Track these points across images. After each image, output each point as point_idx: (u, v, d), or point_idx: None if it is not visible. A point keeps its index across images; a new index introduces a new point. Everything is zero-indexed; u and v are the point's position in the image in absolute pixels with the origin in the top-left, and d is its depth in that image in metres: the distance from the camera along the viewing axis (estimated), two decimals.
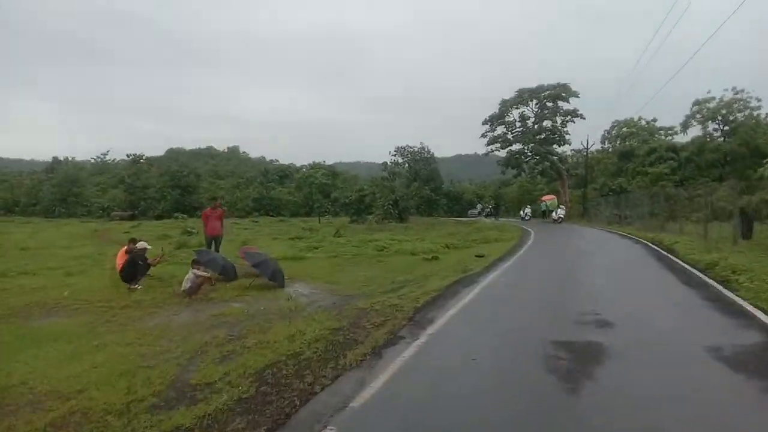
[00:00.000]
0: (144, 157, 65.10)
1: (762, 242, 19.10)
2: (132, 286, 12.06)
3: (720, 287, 9.64)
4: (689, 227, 25.80)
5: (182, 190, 55.00)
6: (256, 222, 43.50)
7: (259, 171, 63.08)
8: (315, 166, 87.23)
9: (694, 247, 15.34)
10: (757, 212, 23.53)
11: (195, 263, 11.66)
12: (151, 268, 12.84)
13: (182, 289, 11.22)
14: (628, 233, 24.93)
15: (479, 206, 59.76)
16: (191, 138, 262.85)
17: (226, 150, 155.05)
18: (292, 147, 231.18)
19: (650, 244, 18.73)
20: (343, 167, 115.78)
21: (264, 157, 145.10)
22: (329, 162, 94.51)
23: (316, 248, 20.12)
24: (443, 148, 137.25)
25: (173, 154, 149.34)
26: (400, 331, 7.18)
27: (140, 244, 12.63)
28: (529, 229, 31.15)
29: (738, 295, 8.75)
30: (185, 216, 41.91)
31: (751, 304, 7.97)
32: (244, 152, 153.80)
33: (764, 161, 22.08)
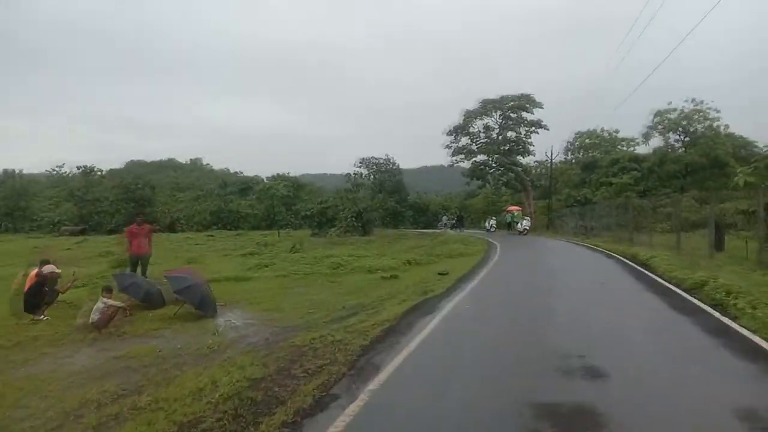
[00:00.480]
0: (96, 169, 61.91)
1: (734, 254, 18.19)
2: (36, 317, 10.20)
3: (717, 314, 8.32)
4: (658, 238, 24.97)
5: (136, 204, 52.21)
6: (212, 236, 41.32)
7: (217, 183, 60.38)
8: (278, 178, 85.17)
9: (672, 262, 14.15)
10: (729, 224, 22.84)
11: (106, 290, 9.85)
12: (60, 294, 11.00)
13: (90, 321, 9.42)
14: (597, 246, 23.89)
15: (444, 218, 58.59)
16: (153, 149, 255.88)
17: (188, 162, 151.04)
18: (257, 159, 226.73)
19: (624, 259, 17.52)
20: (310, 179, 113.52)
21: (228, 169, 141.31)
22: (296, 174, 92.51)
23: (267, 266, 18.39)
24: (409, 159, 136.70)
25: (133, 166, 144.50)
26: (337, 384, 5.61)
27: (46, 269, 10.75)
28: (495, 242, 29.95)
29: (741, 324, 7.44)
30: None
31: (764, 339, 6.61)
32: (207, 164, 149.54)
33: (738, 171, 21.09)
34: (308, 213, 44.15)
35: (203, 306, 10.57)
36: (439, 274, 15.54)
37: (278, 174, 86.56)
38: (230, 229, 50.97)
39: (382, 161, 76.14)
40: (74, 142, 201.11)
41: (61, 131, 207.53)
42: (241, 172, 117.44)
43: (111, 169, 68.65)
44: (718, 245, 22.95)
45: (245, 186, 70.08)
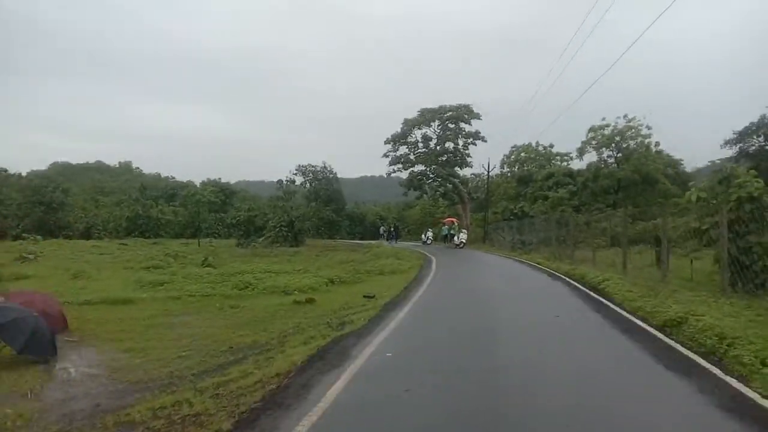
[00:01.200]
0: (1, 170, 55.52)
1: (679, 275, 16.66)
2: None
3: (717, 371, 6.07)
4: (600, 255, 23.50)
5: (46, 207, 46.94)
6: (125, 245, 37.16)
7: (134, 187, 55.38)
8: (208, 183, 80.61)
9: (628, 288, 12.12)
10: (675, 242, 21.56)
11: None
12: None
13: None
14: (538, 263, 22.02)
15: (382, 228, 56.33)
16: (82, 152, 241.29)
17: (117, 165, 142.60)
18: (191, 165, 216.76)
19: (572, 281, 15.39)
20: (247, 186, 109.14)
21: (159, 174, 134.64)
22: (232, 181, 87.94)
23: (162, 285, 15.28)
24: (351, 169, 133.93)
25: (58, 168, 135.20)
26: None
27: None
28: (431, 256, 27.77)
29: (758, 391, 5.25)
30: (39, 237, 34.76)
31: None
32: (137, 168, 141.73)
33: (690, 184, 19.70)
34: (234, 221, 40.62)
35: (33, 348, 7.62)
36: (365, 297, 12.99)
37: (208, 179, 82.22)
38: (149, 237, 46.63)
39: (319, 169, 73.33)
40: None
41: None
42: (173, 177, 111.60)
43: (32, 171, 61.95)
44: (662, 263, 21.64)
45: (173, 191, 65.45)
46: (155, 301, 13.03)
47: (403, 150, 50.04)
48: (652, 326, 8.63)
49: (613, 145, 59.62)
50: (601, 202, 54.44)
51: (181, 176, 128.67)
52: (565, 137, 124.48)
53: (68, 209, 50.36)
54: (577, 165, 62.84)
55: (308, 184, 72.99)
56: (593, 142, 60.00)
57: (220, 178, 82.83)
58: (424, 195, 52.65)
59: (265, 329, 9.64)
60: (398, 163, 49.40)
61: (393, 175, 51.15)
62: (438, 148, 49.13)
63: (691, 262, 18.45)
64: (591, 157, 61.83)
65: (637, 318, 9.37)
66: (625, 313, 9.91)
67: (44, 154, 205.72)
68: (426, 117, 48.82)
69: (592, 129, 59.90)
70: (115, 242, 39.36)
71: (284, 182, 42.68)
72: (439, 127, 49.24)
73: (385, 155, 49.69)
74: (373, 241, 49.89)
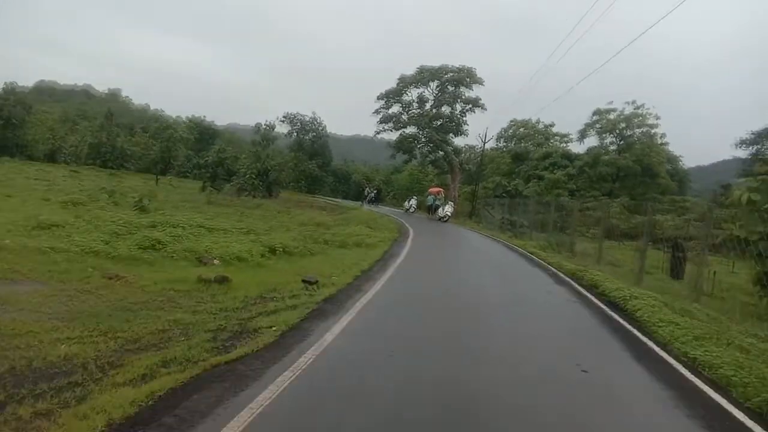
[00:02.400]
0: None
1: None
2: None
3: None
4: (593, 247, 20.06)
5: (5, 123, 42.00)
6: (76, 172, 32.84)
7: (101, 113, 50.32)
8: (192, 120, 75.57)
9: (673, 319, 8.35)
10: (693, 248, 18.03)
11: None
12: None
13: None
14: (533, 253, 18.30)
15: (366, 190, 52.34)
16: (73, 75, 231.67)
17: (105, 92, 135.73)
18: (184, 101, 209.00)
19: (583, 290, 11.57)
20: (237, 131, 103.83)
21: (148, 105, 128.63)
22: (225, 123, 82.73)
23: (49, 228, 11.34)
24: (344, 126, 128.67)
25: (44, 87, 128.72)
26: None
27: None
28: (409, 228, 24.04)
29: None
30: None
31: None
32: (126, 97, 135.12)
33: (743, 180, 15.74)
34: (202, 162, 36.34)
35: None
36: (304, 282, 9.21)
37: (193, 116, 77.09)
38: (111, 168, 42.19)
39: (307, 119, 68.75)
40: None
41: None
42: (162, 111, 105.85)
43: (10, 84, 55.76)
44: (676, 272, 18.11)
45: (152, 125, 60.28)
46: (16, 252, 9.11)
47: (396, 109, 45.68)
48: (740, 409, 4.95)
49: (617, 131, 55.87)
50: (597, 190, 51.00)
51: (171, 112, 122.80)
52: (563, 121, 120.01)
53: (30, 127, 45.42)
54: (576, 148, 59.14)
55: (295, 134, 68.54)
56: (597, 126, 56.13)
57: (204, 116, 77.99)
58: (413, 160, 48.50)
59: (111, 330, 5.82)
60: (389, 122, 45.07)
61: (381, 134, 46.91)
62: (434, 111, 44.81)
63: (713, 274, 15.03)
64: (592, 141, 58.06)
65: (715, 390, 5.65)
66: (688, 374, 6.17)
67: (31, 72, 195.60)
68: (424, 76, 44.29)
69: (597, 112, 55.87)
70: (67, 168, 34.94)
71: (263, 126, 38.19)
72: (437, 89, 44.80)
73: (376, 112, 45.32)
74: (351, 202, 46.06)
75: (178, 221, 14.04)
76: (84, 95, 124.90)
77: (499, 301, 9.53)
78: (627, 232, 30.66)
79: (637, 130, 54.74)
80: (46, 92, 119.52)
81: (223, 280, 8.72)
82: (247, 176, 33.99)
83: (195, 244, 11.41)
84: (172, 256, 10.47)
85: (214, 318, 6.70)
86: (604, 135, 56.24)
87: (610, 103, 55.45)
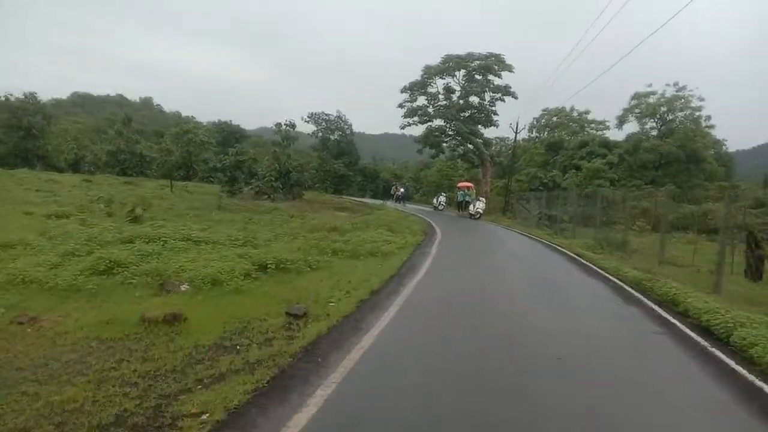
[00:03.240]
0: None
1: None
2: None
3: None
4: (640, 241, 17.23)
5: (25, 132, 41.08)
6: (88, 181, 31.37)
7: (119, 119, 48.93)
8: (218, 124, 74.51)
9: None
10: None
11: None
12: None
13: None
14: (579, 255, 15.47)
15: (393, 187, 49.87)
16: (105, 85, 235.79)
17: (138, 100, 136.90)
18: (215, 107, 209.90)
19: (669, 316, 8.36)
20: (267, 132, 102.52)
21: (179, 113, 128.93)
22: (254, 126, 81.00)
23: (6, 249, 9.25)
24: (372, 125, 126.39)
25: (78, 99, 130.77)
26: None
27: None
28: (436, 228, 21.47)
29: None
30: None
31: None
32: (157, 105, 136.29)
33: None
34: (218, 165, 34.43)
35: None
36: (289, 315, 6.82)
37: (219, 120, 76.01)
38: (130, 175, 40.84)
39: (332, 118, 66.72)
40: (14, 68, 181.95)
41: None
42: (194, 117, 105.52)
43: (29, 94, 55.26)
44: (754, 272, 15.07)
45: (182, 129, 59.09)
46: None
47: (421, 101, 43.02)
48: None
49: (658, 115, 51.98)
50: (638, 178, 47.36)
51: (202, 117, 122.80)
52: (598, 108, 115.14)
53: (51, 137, 44.46)
54: (614, 135, 55.45)
55: (320, 133, 66.58)
56: (636, 111, 52.37)
57: (231, 120, 76.74)
58: (441, 154, 45.69)
59: None
60: (414, 115, 42.40)
61: (406, 129, 44.29)
62: (461, 101, 41.98)
63: None
64: (631, 127, 54.32)
65: None
66: None
67: (67, 83, 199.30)
68: (450, 65, 41.47)
69: (635, 96, 52.13)
70: (80, 177, 33.46)
71: (283, 126, 36.06)
72: (464, 78, 41.91)
73: (401, 105, 42.71)
74: (378, 201, 43.63)
75: (162, 234, 11.83)
76: (117, 104, 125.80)
77: (554, 347, 6.62)
78: (675, 223, 27.59)
79: (680, 113, 50.91)
80: (80, 103, 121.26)
81: (174, 320, 6.35)
82: (266, 178, 31.94)
83: (165, 264, 9.10)
84: (130, 282, 8.16)
85: (125, 395, 4.33)
86: (644, 120, 52.55)
87: (649, 85, 51.70)
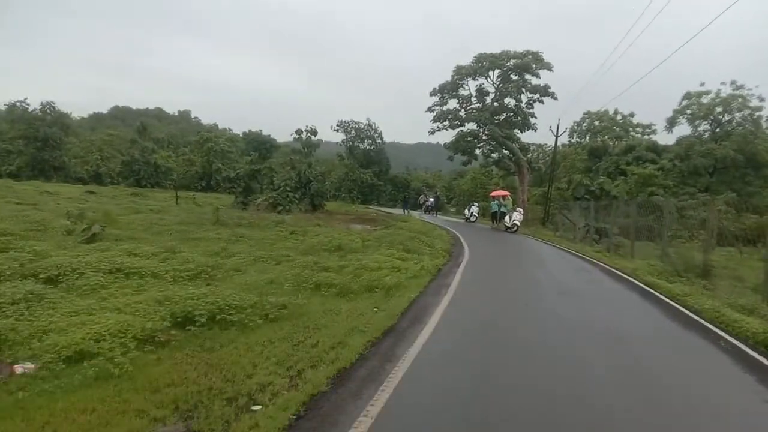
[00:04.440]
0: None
1: None
2: None
3: None
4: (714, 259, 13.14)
5: (43, 144, 39.33)
6: (92, 193, 28.82)
7: (135, 129, 46.51)
8: (250, 134, 72.34)
9: None
10: None
11: None
12: None
13: None
14: (655, 286, 11.40)
15: (422, 197, 46.14)
16: (146, 99, 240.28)
17: (176, 113, 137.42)
18: (251, 119, 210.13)
19: None
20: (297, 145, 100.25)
21: (216, 125, 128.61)
22: (288, 138, 78.25)
23: None
24: (406, 134, 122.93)
25: (118, 112, 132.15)
26: None
27: None
28: (464, 245, 17.75)
29: None
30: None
31: None
32: (195, 117, 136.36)
33: None
34: (233, 175, 31.45)
35: None
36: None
37: (250, 131, 73.84)
38: (145, 186, 38.43)
39: (362, 126, 63.50)
40: (58, 82, 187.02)
41: (45, 69, 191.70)
42: (231, 129, 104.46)
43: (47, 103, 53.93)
44: None
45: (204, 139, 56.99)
46: None
47: (452, 104, 39.26)
48: None
49: (712, 117, 46.73)
50: (691, 185, 42.33)
51: (238, 129, 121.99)
52: (644, 110, 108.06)
53: (70, 148, 42.59)
54: (662, 139, 50.42)
55: (351, 142, 63.41)
56: (687, 112, 47.25)
57: (261, 130, 74.43)
58: (474, 161, 41.62)
59: None
60: (444, 119, 38.66)
61: (436, 135, 40.62)
62: (495, 104, 38.04)
63: None
64: (682, 130, 49.17)
65: None
66: None
67: (108, 98, 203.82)
68: (483, 65, 37.63)
69: (687, 96, 47.03)
70: (82, 189, 30.98)
71: (304, 133, 32.91)
72: (499, 79, 37.99)
73: (430, 109, 39.03)
74: (400, 212, 39.95)
75: (81, 263, 8.59)
76: (155, 118, 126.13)
77: None
78: (739, 235, 23.22)
79: (737, 114, 45.50)
80: (119, 116, 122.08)
81: None
82: (281, 189, 28.76)
83: (27, 322, 5.78)
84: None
85: None
86: (696, 122, 47.32)
87: (702, 84, 46.52)
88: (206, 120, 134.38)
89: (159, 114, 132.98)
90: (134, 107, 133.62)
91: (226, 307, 6.80)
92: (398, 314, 7.60)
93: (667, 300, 10.10)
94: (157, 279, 8.58)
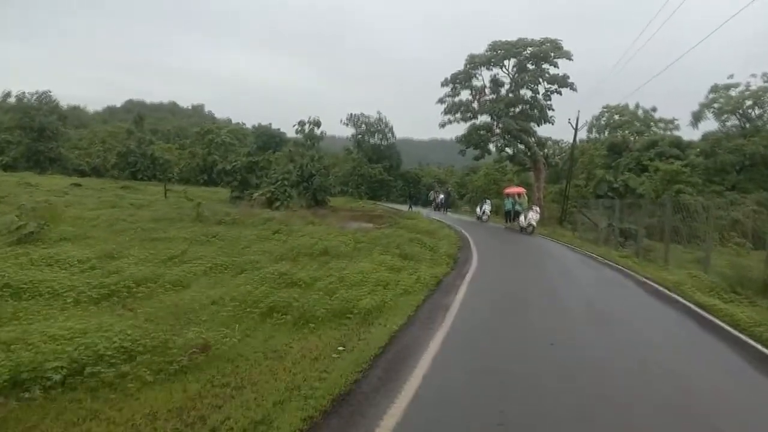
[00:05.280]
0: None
1: None
2: None
3: None
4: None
5: (38, 134, 37.51)
6: (77, 185, 26.79)
7: (132, 119, 44.28)
8: (258, 128, 70.36)
9: None
10: None
11: None
12: None
13: None
14: (711, 309, 8.87)
15: (432, 193, 43.65)
16: (161, 93, 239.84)
17: (189, 107, 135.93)
18: (265, 113, 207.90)
19: None
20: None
21: (230, 119, 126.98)
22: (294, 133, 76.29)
23: None
24: (420, 129, 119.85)
25: (131, 106, 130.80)
26: None
27: None
28: (473, 249, 15.38)
29: None
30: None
31: None
32: (209, 111, 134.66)
33: None
34: (229, 168, 29.28)
35: None
36: None
37: (259, 124, 71.84)
38: (141, 179, 36.39)
39: (372, 120, 61.11)
40: (73, 76, 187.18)
41: (59, 64, 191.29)
42: (244, 123, 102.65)
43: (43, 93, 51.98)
44: None
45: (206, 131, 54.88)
46: None
47: (465, 95, 36.61)
48: None
49: (741, 111, 43.58)
50: (718, 183, 39.34)
51: (252, 124, 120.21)
52: (666, 105, 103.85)
53: (66, 139, 40.60)
54: (687, 135, 47.36)
55: (361, 136, 60.98)
56: (714, 106, 44.13)
57: (270, 124, 72.37)
58: (486, 155, 38.76)
59: None
60: (456, 111, 36.05)
61: (447, 128, 37.99)
62: (510, 95, 35.37)
63: None
64: (708, 125, 46.07)
65: None
66: None
67: (123, 93, 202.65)
68: (498, 54, 34.96)
69: (714, 89, 43.92)
70: (68, 181, 28.91)
71: (306, 125, 30.63)
72: (514, 69, 35.30)
73: (441, 101, 36.45)
74: (416, 208, 37.57)
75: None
76: (169, 112, 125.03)
77: None
78: None
79: None
80: (132, 110, 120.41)
81: None
82: (278, 183, 26.50)
83: None
84: None
85: None
86: (724, 116, 44.18)
87: (731, 77, 43.31)
88: (220, 114, 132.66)
89: (173, 108, 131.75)
90: (147, 101, 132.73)
91: (108, 354, 4.54)
92: (368, 360, 5.26)
93: (735, 332, 7.60)
94: (53, 300, 6.36)
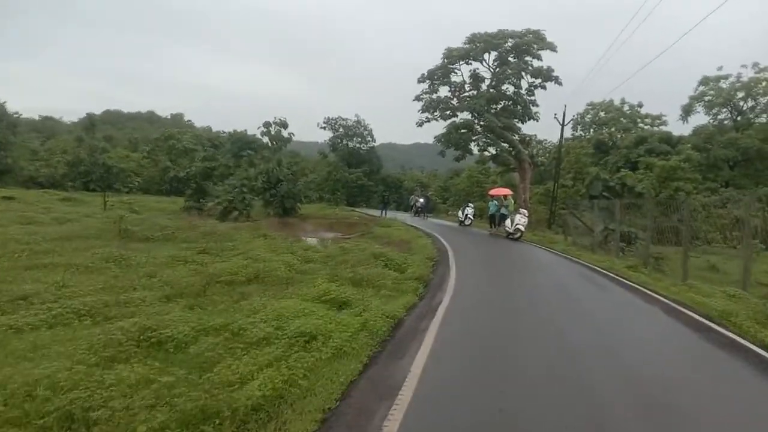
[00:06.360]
0: None
1: None
2: None
3: None
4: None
5: None
6: (10, 199, 23.36)
7: (83, 127, 40.54)
8: (233, 134, 66.96)
9: None
10: None
11: None
12: None
13: None
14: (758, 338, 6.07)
15: (411, 197, 40.65)
16: (142, 103, 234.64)
17: (168, 117, 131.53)
18: (246, 122, 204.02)
19: None
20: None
21: (210, 127, 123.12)
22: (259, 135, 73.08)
23: None
24: (402, 134, 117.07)
25: (108, 116, 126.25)
26: None
27: None
28: (451, 262, 12.37)
29: None
30: None
31: None
32: (188, 120, 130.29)
33: None
34: (182, 175, 26.01)
35: None
36: None
37: (234, 131, 68.42)
38: (94, 190, 32.88)
39: (351, 123, 58.14)
40: (51, 87, 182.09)
41: (37, 76, 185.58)
42: (224, 132, 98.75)
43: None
44: None
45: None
46: None
47: (443, 92, 33.74)
48: None
49: (732, 103, 41.31)
50: (711, 180, 36.92)
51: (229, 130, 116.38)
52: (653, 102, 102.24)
53: (16, 149, 36.79)
54: (676, 130, 45.04)
55: (340, 141, 57.91)
56: (705, 99, 41.81)
57: (246, 130, 69.00)
58: (468, 155, 35.79)
59: None
60: (435, 109, 33.15)
61: (425, 126, 35.08)
62: (492, 90, 32.54)
63: None
64: (698, 119, 43.77)
65: None
66: None
67: (102, 102, 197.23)
68: (477, 46, 32.12)
69: (704, 80, 41.62)
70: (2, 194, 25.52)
71: (272, 126, 27.53)
72: (495, 62, 32.49)
73: (418, 98, 33.51)
74: (397, 214, 34.64)
75: None
76: (147, 121, 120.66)
77: None
78: None
79: (762, 99, 40.03)
80: (109, 120, 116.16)
81: None
82: (237, 191, 23.30)
83: None
84: None
85: None
86: (715, 109, 41.89)
87: (720, 68, 41.03)
88: (200, 123, 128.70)
89: (150, 117, 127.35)
90: (125, 111, 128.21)
91: None
92: None
93: None
94: None
